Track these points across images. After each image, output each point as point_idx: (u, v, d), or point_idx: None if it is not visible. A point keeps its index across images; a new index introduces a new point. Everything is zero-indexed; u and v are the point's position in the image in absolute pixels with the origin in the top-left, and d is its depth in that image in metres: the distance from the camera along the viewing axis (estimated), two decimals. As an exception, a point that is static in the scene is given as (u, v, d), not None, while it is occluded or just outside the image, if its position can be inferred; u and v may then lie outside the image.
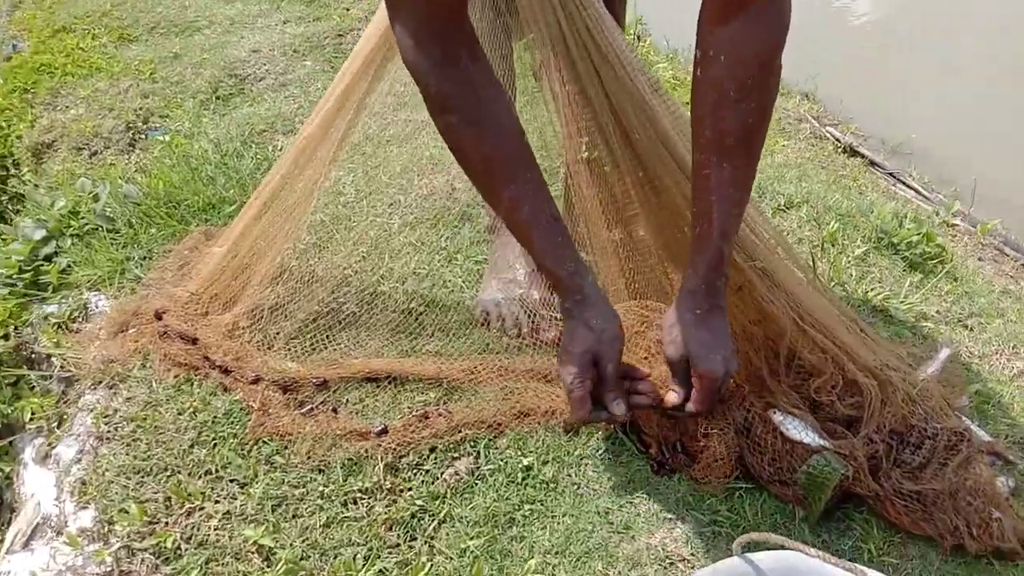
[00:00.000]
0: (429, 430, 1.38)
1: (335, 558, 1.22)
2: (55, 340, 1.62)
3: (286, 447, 1.37)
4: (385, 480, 1.33)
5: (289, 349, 1.54)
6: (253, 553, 1.23)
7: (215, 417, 1.42)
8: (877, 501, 1.27)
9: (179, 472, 1.34)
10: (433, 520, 1.28)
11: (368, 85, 1.49)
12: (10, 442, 1.66)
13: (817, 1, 4.51)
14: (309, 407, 1.44)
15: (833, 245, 2.01)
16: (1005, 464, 1.41)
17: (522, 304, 1.60)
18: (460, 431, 1.39)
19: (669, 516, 1.29)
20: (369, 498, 1.31)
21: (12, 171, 2.36)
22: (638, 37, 3.38)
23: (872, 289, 1.87)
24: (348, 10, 3.09)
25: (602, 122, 1.34)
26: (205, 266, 1.67)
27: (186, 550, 1.24)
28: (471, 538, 1.25)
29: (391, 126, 2.18)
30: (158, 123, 2.38)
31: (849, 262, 1.96)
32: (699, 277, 1.22)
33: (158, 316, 1.57)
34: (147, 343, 1.55)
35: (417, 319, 1.61)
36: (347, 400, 1.46)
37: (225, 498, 1.30)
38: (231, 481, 1.33)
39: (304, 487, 1.32)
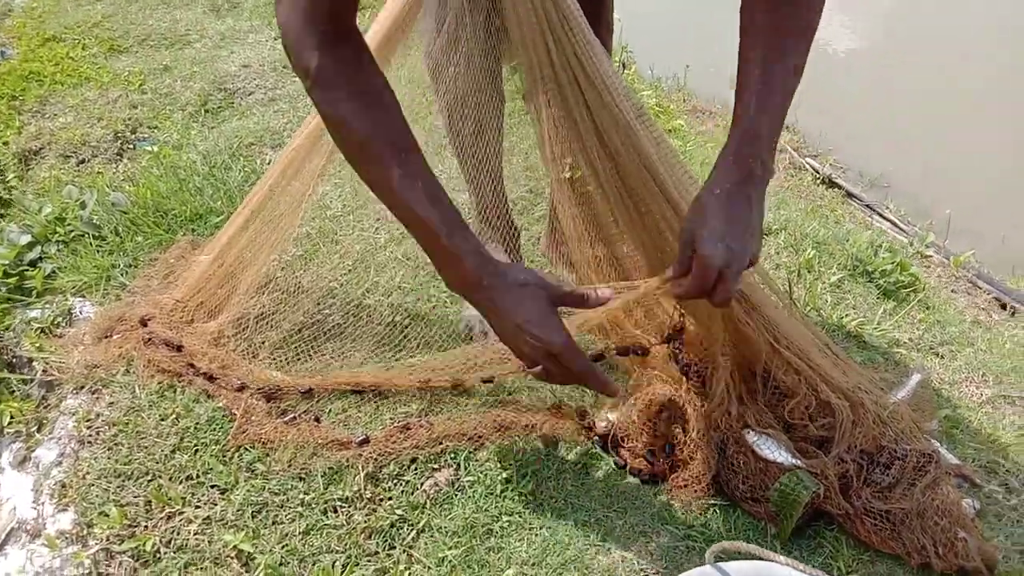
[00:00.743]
0: (410, 441, 1.40)
1: (314, 565, 1.23)
2: (37, 344, 1.63)
3: (268, 454, 1.38)
4: (365, 489, 1.34)
5: (274, 358, 1.56)
6: (232, 558, 1.24)
7: (197, 423, 1.43)
8: (847, 519, 1.30)
9: (160, 477, 1.34)
10: (412, 529, 1.30)
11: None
12: (-12, 446, 1.66)
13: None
14: (292, 416, 1.46)
15: (809, 271, 2.06)
16: (971, 486, 1.45)
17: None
18: (441, 443, 1.41)
19: (645, 530, 1.31)
20: (349, 506, 1.32)
21: (-2, 177, 2.36)
22: (623, 65, 3.44)
23: (847, 315, 1.91)
24: (339, 29, 3.13)
25: (587, 144, 1.37)
26: (191, 274, 1.68)
27: (165, 554, 1.24)
28: (449, 548, 1.27)
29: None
30: (146, 133, 2.39)
31: (825, 288, 2.01)
32: (729, 153, 1.15)
33: (143, 323, 1.58)
34: (131, 349, 1.55)
35: (402, 332, 1.63)
36: (330, 410, 1.47)
37: (205, 503, 1.31)
38: (212, 487, 1.34)
39: (285, 494, 1.33)
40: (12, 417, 1.59)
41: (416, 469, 1.38)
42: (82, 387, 1.52)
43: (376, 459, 1.38)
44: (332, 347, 1.59)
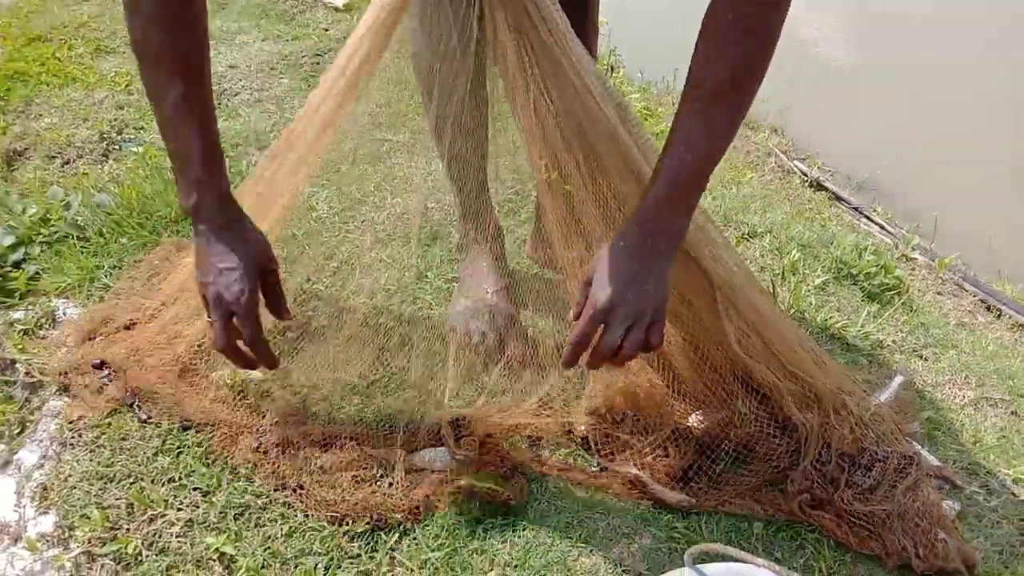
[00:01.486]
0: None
1: (296, 567, 1.23)
2: (20, 346, 1.62)
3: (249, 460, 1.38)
4: (348, 492, 1.34)
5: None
6: (214, 561, 1.24)
7: (181, 425, 1.42)
8: (828, 520, 1.30)
9: (142, 479, 1.34)
10: (395, 532, 1.30)
11: (344, 104, 1.51)
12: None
13: (792, 41, 4.63)
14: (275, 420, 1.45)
15: (794, 274, 2.06)
16: (952, 488, 1.46)
17: (490, 322, 1.63)
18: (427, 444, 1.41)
19: (627, 532, 1.31)
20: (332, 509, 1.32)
21: (-18, 177, 2.34)
22: (611, 68, 3.44)
23: (830, 317, 1.92)
24: (327, 31, 3.12)
25: (571, 146, 1.37)
26: (176, 276, 1.67)
27: (147, 556, 1.24)
28: (432, 550, 1.27)
29: (365, 145, 2.21)
30: (132, 134, 2.38)
31: (809, 291, 2.02)
32: (639, 210, 1.16)
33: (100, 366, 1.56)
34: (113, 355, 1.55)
35: (386, 334, 1.63)
36: (315, 412, 1.47)
37: (188, 506, 1.31)
38: (194, 489, 1.34)
39: (267, 496, 1.33)
40: (-6, 419, 1.59)
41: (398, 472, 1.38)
42: (65, 389, 1.52)
43: (359, 464, 1.38)
44: (315, 348, 1.59)
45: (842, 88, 4.35)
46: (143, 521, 1.28)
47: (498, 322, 1.63)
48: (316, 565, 1.24)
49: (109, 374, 1.52)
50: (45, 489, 1.34)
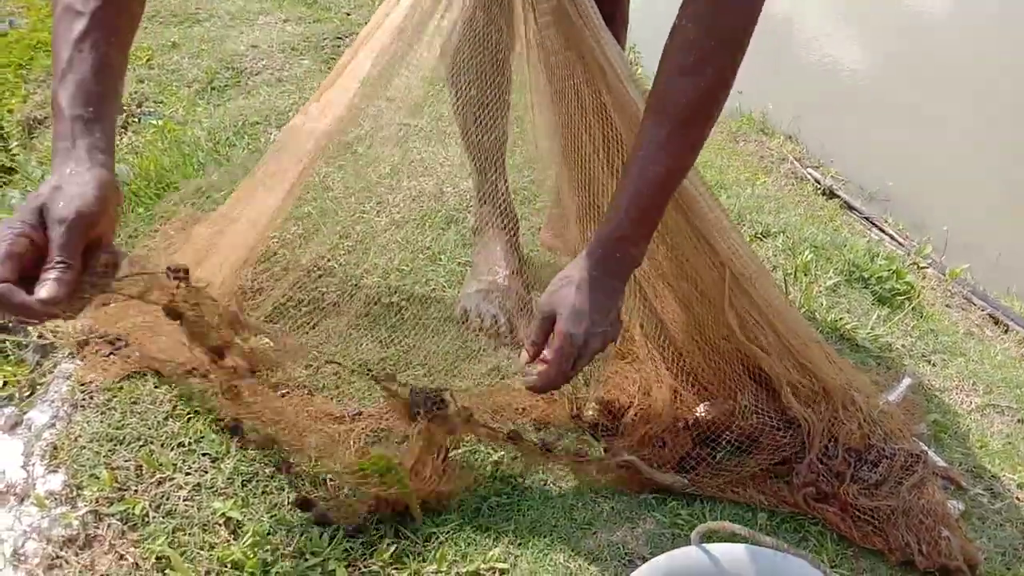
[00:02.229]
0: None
1: (302, 535, 1.24)
2: (35, 309, 1.63)
3: (259, 429, 1.38)
4: (356, 464, 1.34)
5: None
6: (220, 525, 1.24)
7: (191, 391, 1.43)
8: (832, 514, 1.31)
9: (152, 443, 1.34)
10: (399, 506, 1.30)
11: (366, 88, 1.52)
12: (-22, 410, 1.65)
13: (807, 49, 4.64)
14: (284, 391, 1.46)
15: (806, 274, 2.07)
16: (957, 489, 1.47)
17: (501, 305, 1.64)
18: (433, 422, 1.42)
19: (631, 516, 1.32)
20: (338, 480, 1.32)
21: (1, 144, 2.36)
22: (631, 64, 3.45)
23: (841, 319, 1.92)
24: (348, 15, 3.14)
25: (591, 130, 1.38)
26: (192, 246, 1.68)
27: (154, 518, 1.24)
28: (437, 524, 1.27)
29: (383, 128, 2.22)
30: (152, 108, 2.40)
31: (820, 292, 2.02)
32: (599, 240, 1.19)
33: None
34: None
35: (398, 312, 1.64)
36: (323, 384, 1.48)
37: (196, 471, 1.32)
38: (203, 455, 1.34)
39: (275, 465, 1.33)
40: (5, 381, 1.59)
41: (406, 447, 1.38)
42: (78, 351, 1.52)
43: (368, 435, 1.38)
44: (327, 324, 1.60)
45: (857, 99, 4.36)
46: (151, 483, 1.29)
47: (509, 306, 1.64)
48: (321, 534, 1.24)
49: (119, 346, 1.52)
50: (55, 448, 1.35)
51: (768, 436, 1.41)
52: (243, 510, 1.26)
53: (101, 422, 1.38)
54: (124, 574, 1.16)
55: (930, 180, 3.68)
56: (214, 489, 1.29)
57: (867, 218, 3.19)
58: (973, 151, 3.91)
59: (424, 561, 1.22)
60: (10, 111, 2.35)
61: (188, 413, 1.40)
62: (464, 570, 1.21)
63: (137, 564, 1.18)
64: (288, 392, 1.45)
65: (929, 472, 1.36)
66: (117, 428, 1.37)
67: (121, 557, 1.19)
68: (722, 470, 1.37)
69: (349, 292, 1.66)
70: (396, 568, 1.21)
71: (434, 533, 1.26)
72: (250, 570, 1.17)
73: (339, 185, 2.03)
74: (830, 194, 3.26)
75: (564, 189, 1.48)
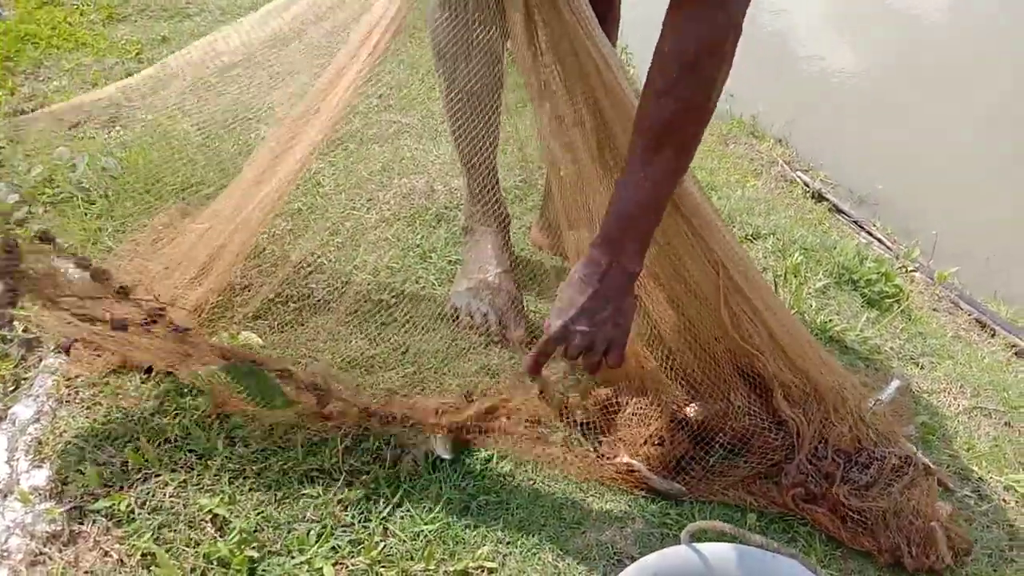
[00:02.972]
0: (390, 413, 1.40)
1: (289, 532, 1.23)
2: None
3: (247, 424, 1.37)
4: (343, 462, 1.34)
5: (255, 328, 1.55)
6: (207, 522, 1.23)
7: (179, 388, 1.42)
8: (821, 515, 1.31)
9: (138, 438, 1.33)
10: (388, 504, 1.29)
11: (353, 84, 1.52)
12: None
13: (797, 53, 4.65)
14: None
15: (795, 276, 2.07)
16: (944, 491, 1.47)
17: (491, 303, 1.63)
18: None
19: (620, 516, 1.32)
20: (326, 477, 1.32)
21: (-13, 137, 2.33)
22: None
23: (830, 320, 1.93)
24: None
25: (583, 124, 1.37)
26: (180, 242, 1.67)
27: (139, 514, 1.23)
28: (425, 523, 1.27)
29: (374, 126, 2.21)
30: (140, 102, 2.37)
31: (810, 293, 2.02)
32: (594, 245, 1.24)
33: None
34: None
35: (387, 310, 1.63)
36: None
37: (183, 467, 1.30)
38: (190, 451, 1.33)
39: (263, 462, 1.32)
40: (-11, 375, 1.58)
41: (395, 445, 1.38)
42: (63, 347, 1.51)
43: (355, 433, 1.37)
44: (316, 320, 1.59)
45: (847, 102, 4.37)
46: (137, 480, 1.28)
47: (499, 303, 1.63)
48: (309, 531, 1.23)
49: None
50: (40, 443, 1.34)
51: (759, 438, 1.41)
52: (230, 507, 1.25)
53: (86, 417, 1.37)
54: (109, 571, 1.15)
55: (920, 184, 3.69)
56: (200, 486, 1.28)
57: (856, 222, 3.20)
58: (963, 155, 3.93)
59: (412, 559, 1.21)
60: (-3, 103, 2.32)
61: (175, 409, 1.39)
62: (452, 568, 1.21)
63: (122, 561, 1.17)
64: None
65: (920, 473, 1.37)
66: (103, 424, 1.36)
67: (106, 553, 1.18)
68: (716, 474, 1.37)
69: (339, 289, 1.65)
70: (384, 566, 1.20)
71: (422, 531, 1.25)
72: (236, 567, 1.16)
73: (329, 181, 2.02)
74: (819, 197, 3.27)
75: (555, 188, 1.47)
